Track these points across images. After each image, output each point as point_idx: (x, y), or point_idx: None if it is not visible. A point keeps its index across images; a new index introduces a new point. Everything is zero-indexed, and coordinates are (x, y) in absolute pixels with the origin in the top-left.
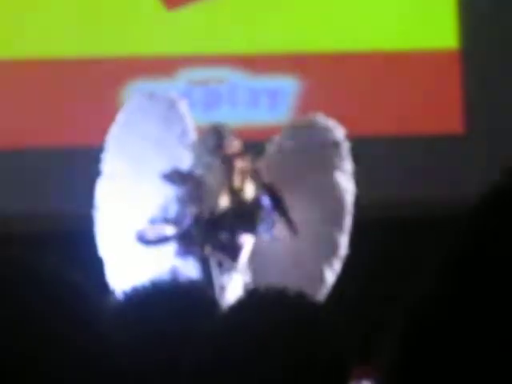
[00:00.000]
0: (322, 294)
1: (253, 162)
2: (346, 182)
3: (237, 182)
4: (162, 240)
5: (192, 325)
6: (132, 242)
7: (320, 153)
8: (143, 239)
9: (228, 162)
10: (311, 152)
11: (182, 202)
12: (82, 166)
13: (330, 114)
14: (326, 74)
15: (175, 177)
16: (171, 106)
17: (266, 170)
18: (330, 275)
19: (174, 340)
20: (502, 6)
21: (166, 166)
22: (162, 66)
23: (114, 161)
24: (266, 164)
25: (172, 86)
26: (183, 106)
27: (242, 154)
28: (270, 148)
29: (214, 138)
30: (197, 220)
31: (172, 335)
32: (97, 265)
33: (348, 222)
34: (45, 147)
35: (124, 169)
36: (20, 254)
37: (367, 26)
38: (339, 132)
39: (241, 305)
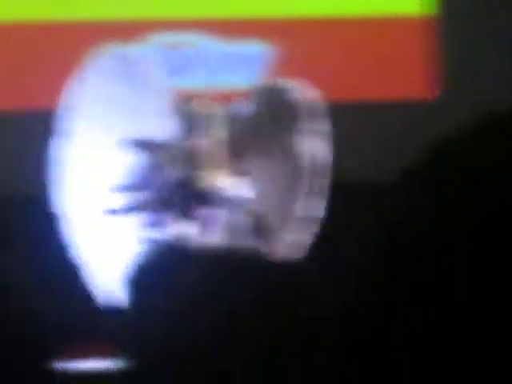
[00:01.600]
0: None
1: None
2: (308, 142)
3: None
4: (131, 208)
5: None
6: (96, 207)
7: (281, 114)
8: (110, 209)
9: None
10: (270, 115)
11: (155, 166)
12: (42, 130)
13: (301, 79)
14: (298, 40)
15: (140, 144)
16: (133, 64)
17: (234, 138)
18: (289, 237)
19: None
20: None
21: (131, 128)
22: (131, 30)
23: (76, 120)
24: (234, 131)
25: (141, 51)
26: (149, 66)
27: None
28: (235, 113)
29: (194, 122)
30: (177, 185)
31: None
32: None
33: (309, 182)
34: (6, 111)
35: (87, 129)
36: None
37: None
38: (300, 92)
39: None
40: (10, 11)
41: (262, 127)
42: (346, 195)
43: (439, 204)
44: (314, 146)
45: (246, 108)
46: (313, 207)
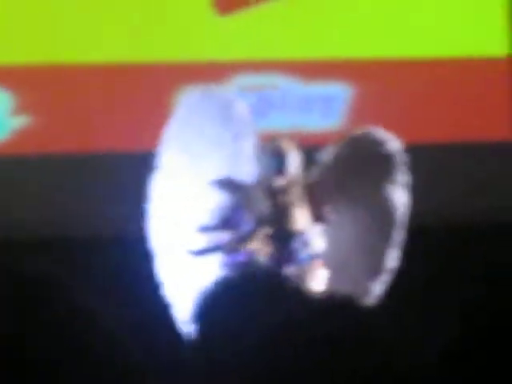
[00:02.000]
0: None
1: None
2: (397, 194)
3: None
4: (213, 249)
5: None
6: (182, 246)
7: (371, 165)
8: (193, 250)
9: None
10: (362, 164)
11: (238, 206)
12: (135, 171)
13: (382, 120)
14: (378, 81)
15: (227, 185)
16: (228, 105)
17: (317, 181)
18: (377, 288)
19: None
20: None
21: (220, 166)
22: (214, 71)
23: (169, 156)
24: (318, 175)
25: (224, 92)
26: (241, 107)
27: (295, 182)
28: (323, 158)
29: (274, 163)
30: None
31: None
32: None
33: (398, 235)
34: (95, 152)
35: (179, 165)
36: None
37: (418, 33)
38: (393, 144)
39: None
40: (99, 53)
41: (350, 175)
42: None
43: None
44: (403, 197)
45: (331, 153)
46: (396, 258)
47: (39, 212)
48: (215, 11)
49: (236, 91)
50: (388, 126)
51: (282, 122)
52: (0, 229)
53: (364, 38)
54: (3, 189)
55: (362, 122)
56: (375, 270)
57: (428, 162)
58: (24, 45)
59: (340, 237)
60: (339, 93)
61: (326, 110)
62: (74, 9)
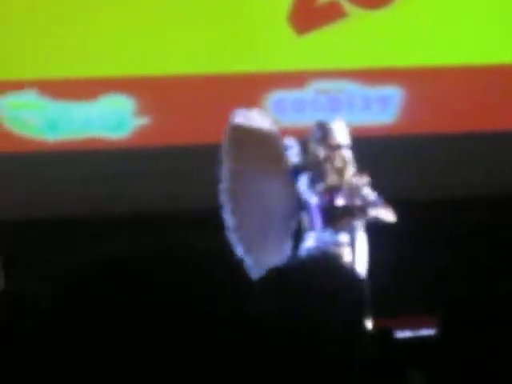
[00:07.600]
0: None
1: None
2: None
3: (339, 164)
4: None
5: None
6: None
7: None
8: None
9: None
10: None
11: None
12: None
13: (426, 114)
14: (424, 84)
15: (297, 169)
16: (276, 140)
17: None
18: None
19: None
20: None
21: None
22: (296, 79)
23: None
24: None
25: (303, 95)
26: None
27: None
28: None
29: (319, 131)
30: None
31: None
32: None
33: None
34: (198, 143)
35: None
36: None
37: (455, 45)
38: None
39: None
40: (209, 65)
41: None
42: None
43: None
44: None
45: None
46: None
47: (159, 189)
48: (295, 32)
49: (312, 94)
50: (430, 120)
51: (347, 118)
52: (128, 204)
53: (412, 49)
54: (128, 174)
55: (411, 117)
56: None
57: (459, 149)
58: (142, 59)
59: None
60: (393, 94)
61: (383, 108)
62: (183, 31)
